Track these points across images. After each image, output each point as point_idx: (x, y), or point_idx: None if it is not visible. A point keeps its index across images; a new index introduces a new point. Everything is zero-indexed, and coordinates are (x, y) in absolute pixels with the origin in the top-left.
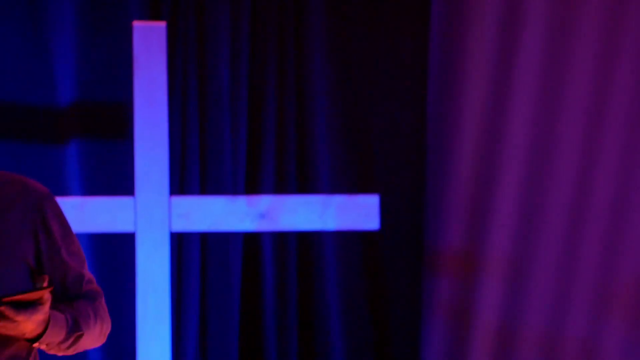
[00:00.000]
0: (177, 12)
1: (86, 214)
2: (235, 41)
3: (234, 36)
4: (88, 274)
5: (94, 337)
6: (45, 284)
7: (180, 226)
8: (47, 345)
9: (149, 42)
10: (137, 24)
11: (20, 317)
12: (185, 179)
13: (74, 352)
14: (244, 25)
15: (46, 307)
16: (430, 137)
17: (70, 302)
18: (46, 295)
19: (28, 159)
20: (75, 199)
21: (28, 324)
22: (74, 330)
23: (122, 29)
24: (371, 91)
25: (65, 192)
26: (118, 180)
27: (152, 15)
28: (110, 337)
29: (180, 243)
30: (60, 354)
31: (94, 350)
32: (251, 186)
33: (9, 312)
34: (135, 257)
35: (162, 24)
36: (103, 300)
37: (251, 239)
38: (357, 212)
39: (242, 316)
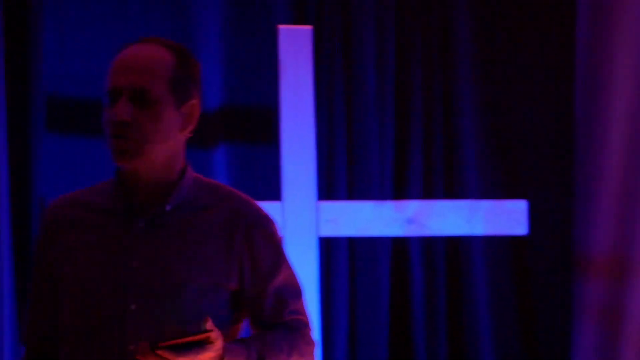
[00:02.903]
0: (323, 15)
1: None
2: (381, 44)
3: (379, 39)
4: (295, 304)
5: None
6: (207, 326)
7: (328, 231)
8: None
9: (295, 45)
10: (282, 27)
11: (182, 359)
12: (333, 184)
13: None
14: (389, 28)
15: (217, 345)
16: (578, 141)
17: (265, 332)
18: (213, 335)
19: None
20: None
21: None
22: None
23: (268, 32)
24: (518, 95)
25: None
26: (265, 184)
27: (298, 18)
28: None
29: (329, 248)
30: None
31: None
32: (398, 191)
33: (167, 355)
34: None
35: (308, 28)
36: (307, 332)
37: (399, 244)
38: (505, 217)
39: (391, 321)
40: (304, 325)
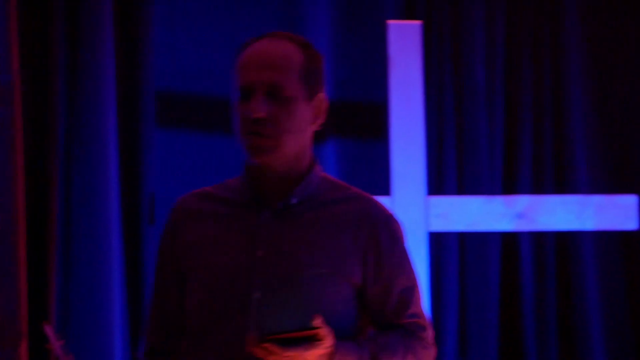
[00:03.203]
0: (432, 11)
1: None
2: (490, 40)
3: (489, 34)
4: (415, 308)
5: None
6: (316, 322)
7: (438, 226)
8: None
9: (404, 41)
10: (392, 23)
11: (289, 353)
12: (443, 179)
13: None
14: (499, 23)
15: (326, 342)
16: None
17: (380, 333)
18: (322, 332)
19: None
20: None
21: (307, 358)
22: None
23: (377, 28)
24: (629, 90)
25: None
26: (375, 180)
27: (407, 14)
28: None
29: (439, 243)
30: None
31: None
32: (508, 186)
33: (273, 348)
34: None
35: (418, 23)
36: (426, 335)
37: (509, 238)
38: (615, 212)
39: (501, 316)
40: (422, 328)
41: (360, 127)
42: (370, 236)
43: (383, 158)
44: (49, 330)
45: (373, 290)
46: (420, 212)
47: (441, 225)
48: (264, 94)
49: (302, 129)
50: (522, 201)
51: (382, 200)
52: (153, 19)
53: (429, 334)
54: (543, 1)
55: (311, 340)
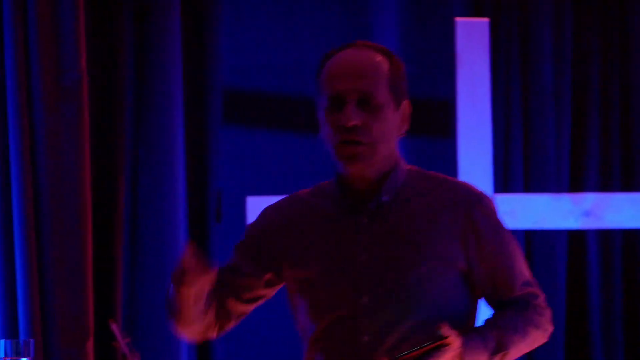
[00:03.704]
0: (500, 8)
1: None
2: (558, 36)
3: (556, 31)
4: (524, 276)
5: (523, 348)
6: (444, 332)
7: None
8: None
9: (472, 38)
10: (459, 20)
11: None
12: (509, 177)
13: None
14: (567, 21)
15: (455, 345)
16: None
17: (498, 315)
18: (450, 339)
19: None
20: None
21: None
22: (497, 351)
23: (444, 25)
24: None
25: None
26: None
27: (475, 11)
28: None
29: None
30: None
31: None
32: (575, 184)
33: None
34: None
35: (485, 20)
36: (539, 302)
37: (576, 236)
38: None
39: (568, 314)
40: (535, 296)
41: (428, 125)
42: (466, 219)
43: (450, 156)
44: (115, 328)
45: (479, 270)
46: None
47: (508, 223)
48: (356, 102)
49: (391, 136)
50: (589, 199)
51: None
52: (221, 17)
53: (542, 297)
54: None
55: (440, 348)
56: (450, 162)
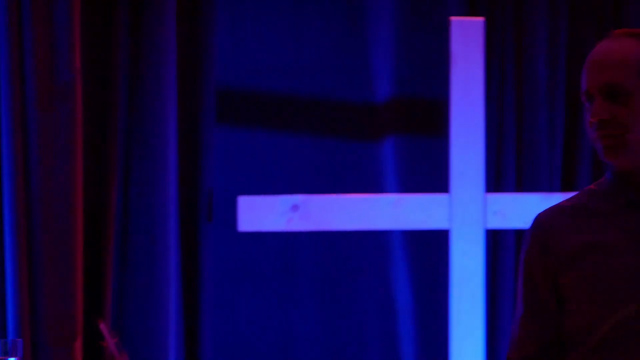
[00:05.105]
0: (495, 8)
1: (401, 211)
2: (552, 36)
3: (551, 31)
4: None
5: None
6: None
7: (496, 223)
8: None
9: (467, 37)
10: (454, 19)
11: None
12: (501, 176)
13: None
14: (561, 21)
15: None
16: None
17: None
18: None
19: (344, 155)
20: (390, 196)
21: None
22: None
23: (439, 24)
24: None
25: (380, 189)
26: (433, 177)
27: (470, 10)
28: (423, 333)
29: (496, 240)
30: None
31: (407, 345)
32: (567, 183)
33: None
34: (450, 254)
35: (480, 20)
36: None
37: None
38: None
39: None
40: None
41: (420, 124)
42: None
43: (442, 155)
44: (103, 328)
45: None
46: (478, 209)
47: (499, 222)
48: (604, 95)
49: None
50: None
51: (440, 197)
52: (215, 16)
53: None
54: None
55: None
56: (442, 161)
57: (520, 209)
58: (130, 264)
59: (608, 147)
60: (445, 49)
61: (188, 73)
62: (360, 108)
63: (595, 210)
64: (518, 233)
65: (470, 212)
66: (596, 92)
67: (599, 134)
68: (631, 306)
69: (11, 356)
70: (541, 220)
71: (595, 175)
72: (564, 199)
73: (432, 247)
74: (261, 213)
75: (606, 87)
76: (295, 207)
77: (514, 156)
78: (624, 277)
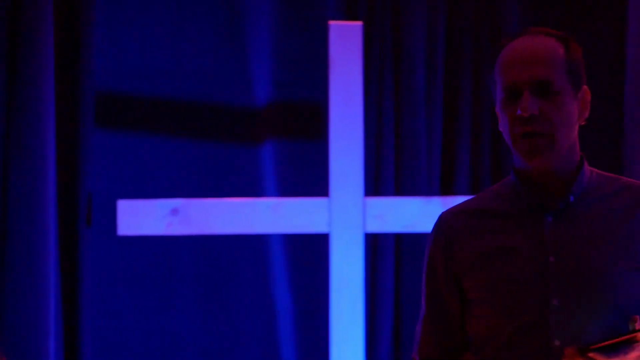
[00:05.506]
0: (373, 12)
1: (281, 214)
2: (430, 41)
3: (429, 36)
4: None
5: None
6: (637, 325)
7: (375, 227)
8: None
9: (345, 41)
10: (333, 23)
11: None
12: (380, 180)
13: None
14: (439, 25)
15: None
16: (627, 140)
17: None
18: None
19: (224, 159)
20: (269, 200)
21: None
22: None
23: (318, 28)
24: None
25: (260, 193)
26: (313, 181)
27: (348, 15)
28: (303, 336)
29: (375, 244)
30: None
31: (288, 349)
32: (446, 187)
33: (598, 357)
34: (330, 258)
35: (359, 24)
36: None
37: None
38: None
39: None
40: None
41: (299, 128)
42: None
43: (321, 159)
44: None
45: None
46: (357, 213)
47: (378, 226)
48: (532, 91)
49: (571, 124)
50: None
51: (319, 201)
52: (94, 19)
53: None
54: (482, 5)
55: (630, 343)
56: (321, 165)
57: (400, 213)
58: (8, 268)
59: (534, 149)
60: (324, 53)
61: (67, 77)
62: (239, 112)
63: (499, 213)
64: (397, 237)
65: (349, 216)
66: (525, 86)
67: (525, 132)
68: (527, 316)
69: None
70: (444, 220)
71: (474, 179)
72: (445, 202)
73: (312, 250)
74: (141, 217)
75: (537, 82)
76: (175, 211)
77: (393, 160)
78: (525, 283)
